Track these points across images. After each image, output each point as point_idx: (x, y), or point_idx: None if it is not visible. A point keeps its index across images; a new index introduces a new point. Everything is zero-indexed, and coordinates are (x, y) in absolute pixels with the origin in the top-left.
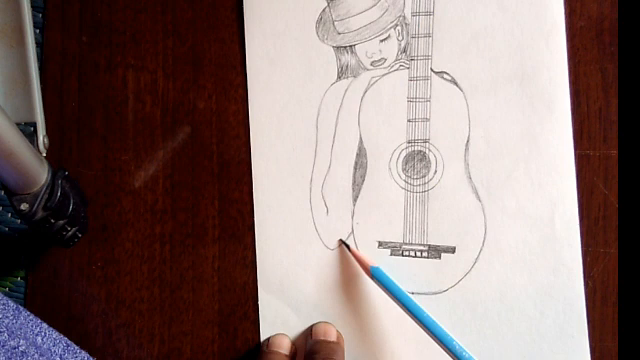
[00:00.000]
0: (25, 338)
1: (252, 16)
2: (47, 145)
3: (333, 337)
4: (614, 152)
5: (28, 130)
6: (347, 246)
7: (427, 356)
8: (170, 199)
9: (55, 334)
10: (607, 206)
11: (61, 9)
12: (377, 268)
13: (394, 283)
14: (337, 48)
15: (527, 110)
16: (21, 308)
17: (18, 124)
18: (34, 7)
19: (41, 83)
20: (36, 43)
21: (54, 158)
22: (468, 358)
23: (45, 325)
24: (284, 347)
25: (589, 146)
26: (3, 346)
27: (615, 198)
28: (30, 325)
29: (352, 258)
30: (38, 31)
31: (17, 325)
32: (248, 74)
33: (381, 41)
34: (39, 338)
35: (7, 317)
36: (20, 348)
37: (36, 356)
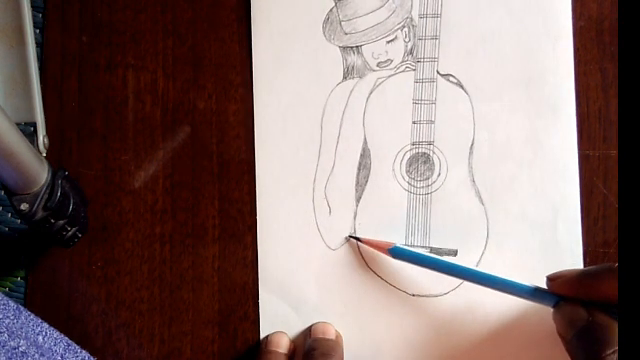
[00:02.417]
0: (26, 338)
1: (259, 15)
2: (47, 145)
3: (331, 335)
4: (614, 152)
5: (28, 130)
6: (358, 239)
7: (427, 356)
8: (170, 199)
9: (56, 334)
10: (607, 206)
11: (61, 9)
12: (395, 247)
13: (418, 253)
14: (343, 48)
15: (532, 115)
16: (22, 308)
17: (18, 124)
18: (34, 7)
19: (41, 83)
20: (36, 43)
21: (54, 158)
22: (528, 288)
23: (46, 325)
24: (282, 346)
25: (589, 146)
26: (3, 346)
27: (615, 198)
28: (31, 325)
29: (355, 257)
30: (38, 31)
31: (18, 325)
32: (254, 73)
33: (388, 42)
34: (40, 338)
35: (8, 317)
36: (20, 348)
37: (37, 356)
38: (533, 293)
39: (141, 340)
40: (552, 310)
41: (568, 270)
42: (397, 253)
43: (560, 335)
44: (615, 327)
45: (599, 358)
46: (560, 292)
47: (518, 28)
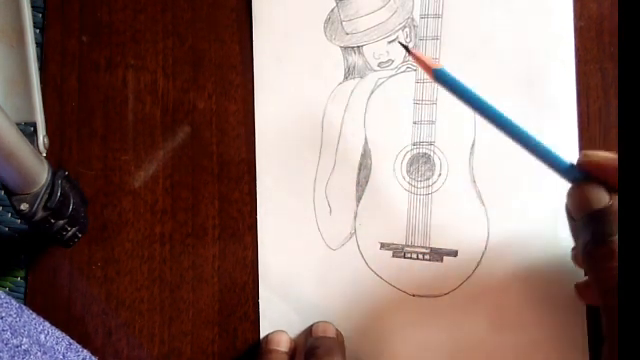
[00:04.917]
0: (28, 336)
1: (260, 15)
2: (47, 145)
3: (333, 334)
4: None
5: (28, 130)
6: (406, 48)
7: (427, 356)
8: (170, 199)
9: (58, 332)
10: None
11: (61, 9)
12: (441, 69)
13: (460, 82)
14: (344, 48)
15: (533, 115)
16: (24, 307)
17: (18, 124)
18: (34, 7)
19: (41, 83)
20: (36, 43)
21: (54, 158)
22: (561, 161)
23: (48, 324)
24: (283, 344)
25: (589, 146)
26: (6, 344)
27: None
28: (33, 323)
29: (355, 257)
30: (38, 31)
31: (20, 323)
32: (255, 73)
33: (389, 42)
34: (42, 336)
35: (10, 315)
36: (23, 346)
37: (39, 354)
38: (560, 163)
39: (141, 340)
40: (570, 186)
41: (608, 152)
42: (440, 76)
43: (569, 213)
44: None
45: (603, 239)
46: (590, 168)
47: (518, 28)
